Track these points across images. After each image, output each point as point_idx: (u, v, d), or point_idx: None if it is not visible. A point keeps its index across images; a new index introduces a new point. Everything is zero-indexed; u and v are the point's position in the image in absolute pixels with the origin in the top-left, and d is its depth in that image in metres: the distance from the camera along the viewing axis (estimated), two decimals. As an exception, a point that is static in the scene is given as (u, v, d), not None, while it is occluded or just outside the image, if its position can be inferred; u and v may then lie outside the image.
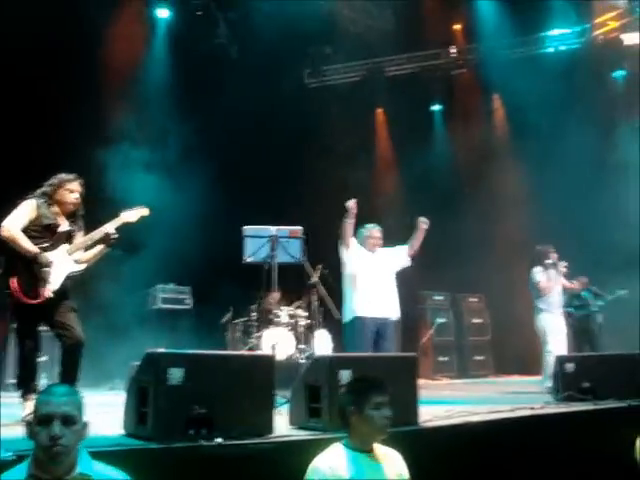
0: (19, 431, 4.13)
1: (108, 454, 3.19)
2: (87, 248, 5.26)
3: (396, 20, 13.06)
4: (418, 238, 6.78)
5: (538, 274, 8.17)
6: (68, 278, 5.13)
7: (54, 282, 5.00)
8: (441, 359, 11.98)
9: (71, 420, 2.48)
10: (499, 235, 12.00)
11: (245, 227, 5.80)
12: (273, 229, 5.92)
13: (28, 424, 2.51)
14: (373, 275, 6.34)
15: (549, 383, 7.23)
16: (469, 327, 12.44)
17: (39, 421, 2.45)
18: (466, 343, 12.30)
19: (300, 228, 5.98)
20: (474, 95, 13.66)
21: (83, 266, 5.26)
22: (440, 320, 12.06)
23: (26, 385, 4.94)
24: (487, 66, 13.33)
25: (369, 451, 3.16)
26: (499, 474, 4.63)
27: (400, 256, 6.69)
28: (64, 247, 5.13)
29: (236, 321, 9.35)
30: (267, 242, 5.73)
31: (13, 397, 6.95)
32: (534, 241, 10.62)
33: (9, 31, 8.45)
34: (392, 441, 3.42)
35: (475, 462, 4.54)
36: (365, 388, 3.24)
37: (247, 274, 7.44)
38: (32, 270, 4.92)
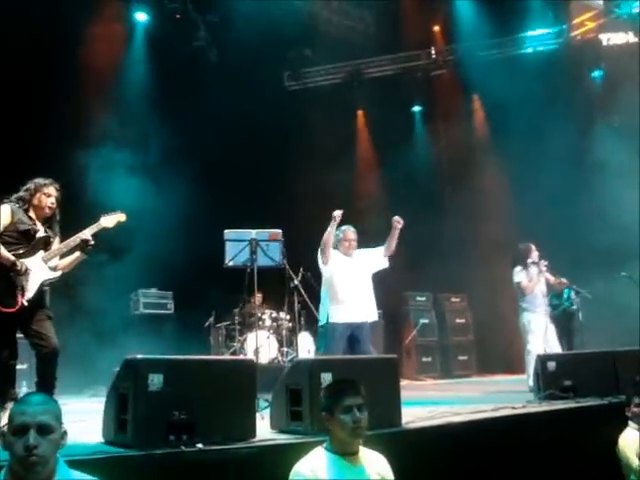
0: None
1: (87, 462, 3.17)
2: (63, 255, 5.20)
3: (375, 22, 13.15)
4: (394, 237, 6.77)
5: (518, 274, 8.17)
6: (44, 285, 5.07)
7: (30, 290, 4.94)
8: (425, 359, 11.99)
9: (47, 429, 2.44)
10: (481, 234, 12.06)
11: (226, 231, 5.77)
12: (253, 232, 5.88)
13: (2, 434, 2.47)
14: (349, 279, 6.33)
15: (531, 382, 7.33)
16: (452, 327, 12.46)
17: (14, 431, 2.42)
18: (449, 343, 12.32)
19: (279, 231, 5.96)
20: (454, 96, 13.71)
21: (59, 273, 5.19)
22: (423, 320, 12.08)
23: (2, 394, 4.87)
24: (466, 67, 13.40)
25: (351, 454, 3.14)
26: (482, 474, 4.64)
27: (377, 257, 6.67)
28: (40, 254, 5.07)
29: (219, 325, 9.36)
30: (247, 245, 5.69)
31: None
32: (515, 240, 10.67)
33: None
34: (375, 443, 3.43)
35: (458, 462, 4.56)
36: (335, 392, 3.24)
37: (229, 278, 7.41)
38: (8, 277, 4.85)
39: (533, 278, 8.12)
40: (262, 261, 5.76)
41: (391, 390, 4.70)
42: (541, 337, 7.99)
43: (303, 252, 7.20)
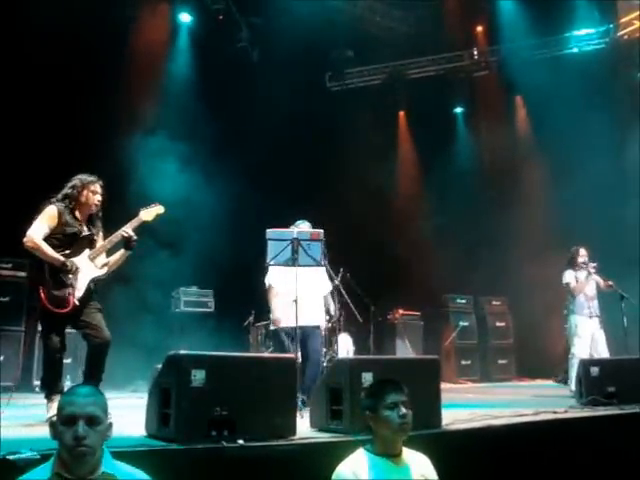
0: (43, 431, 4.19)
1: (130, 454, 3.21)
2: (108, 251, 5.29)
3: (418, 22, 13.07)
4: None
5: (567, 275, 8.11)
6: (92, 282, 5.16)
7: (80, 289, 5.05)
8: (464, 362, 11.93)
9: (95, 421, 2.49)
10: (522, 237, 11.91)
11: (268, 230, 5.79)
12: (295, 232, 5.89)
13: (52, 424, 2.52)
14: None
15: (574, 386, 7.23)
16: (492, 330, 12.36)
17: (64, 421, 2.46)
18: (489, 346, 12.22)
19: (321, 231, 5.94)
20: (497, 97, 13.58)
21: (105, 270, 5.28)
22: (463, 323, 12.02)
23: (51, 386, 4.98)
24: (510, 67, 13.26)
25: (394, 455, 3.10)
26: (522, 478, 4.59)
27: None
28: (86, 252, 5.16)
29: (258, 324, 9.38)
30: (289, 245, 5.70)
31: (39, 398, 7.07)
32: (559, 242, 10.57)
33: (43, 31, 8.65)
34: (415, 444, 3.40)
35: (497, 465, 4.52)
36: (379, 389, 3.21)
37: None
38: (58, 278, 4.96)
39: (581, 280, 8.01)
40: (303, 261, 5.75)
41: (432, 391, 4.69)
42: (587, 341, 7.89)
43: (344, 252, 7.20)
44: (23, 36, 8.86)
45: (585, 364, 6.28)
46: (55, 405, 4.62)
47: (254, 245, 6.59)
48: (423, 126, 13.04)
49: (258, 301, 9.12)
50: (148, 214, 5.41)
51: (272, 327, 6.65)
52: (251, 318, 9.54)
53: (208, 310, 10.18)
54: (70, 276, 4.97)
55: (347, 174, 11.81)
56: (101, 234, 5.34)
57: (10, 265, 8.91)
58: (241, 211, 10.14)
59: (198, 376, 3.76)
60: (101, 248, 5.22)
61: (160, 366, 7.43)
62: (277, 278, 6.42)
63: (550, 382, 10.60)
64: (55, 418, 2.57)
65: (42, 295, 4.92)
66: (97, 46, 9.45)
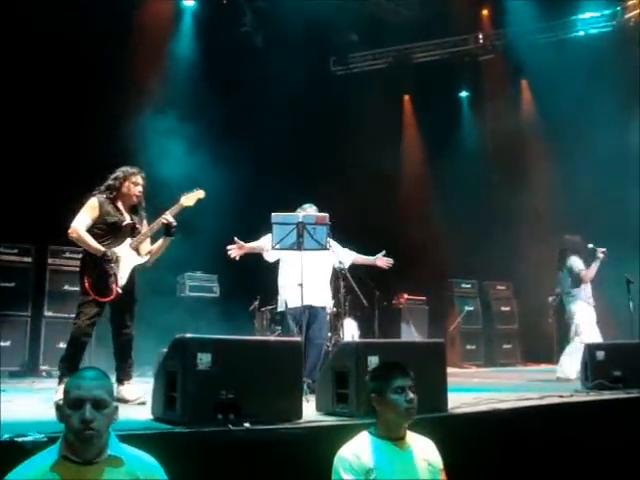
0: (51, 414, 4.21)
1: (137, 437, 3.22)
2: (150, 238, 5.43)
3: (423, 6, 12.94)
4: (366, 263, 6.97)
5: (578, 262, 8.15)
6: (134, 271, 5.31)
7: (122, 277, 5.21)
8: (469, 347, 11.96)
9: (102, 404, 2.49)
10: (527, 223, 11.89)
11: (273, 214, 5.79)
12: (300, 216, 5.89)
13: (58, 407, 2.53)
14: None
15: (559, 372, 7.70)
16: (497, 315, 12.37)
17: (70, 405, 2.46)
18: (494, 331, 12.23)
19: (326, 215, 5.95)
20: (502, 81, 13.47)
21: (147, 257, 5.41)
22: (468, 308, 12.03)
23: (68, 369, 5.08)
24: (515, 51, 13.14)
25: (397, 439, 3.10)
26: (527, 461, 4.60)
27: (341, 259, 6.60)
28: (128, 241, 5.30)
29: (263, 309, 9.38)
30: (294, 229, 5.70)
31: (45, 382, 7.12)
32: (563, 229, 10.52)
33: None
34: (420, 428, 3.40)
35: (503, 449, 4.53)
36: (386, 373, 3.19)
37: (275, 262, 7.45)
38: (101, 268, 5.12)
39: (592, 266, 8.10)
40: (308, 245, 5.76)
41: (438, 375, 4.70)
42: (594, 326, 7.91)
43: (348, 236, 7.18)
44: (30, 22, 8.88)
45: (591, 348, 6.28)
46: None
47: (260, 229, 6.60)
48: (428, 110, 12.98)
49: (263, 286, 9.16)
50: (189, 199, 5.55)
51: (279, 309, 6.64)
52: (256, 303, 9.53)
53: (213, 295, 10.19)
54: (112, 265, 5.12)
55: (352, 158, 11.80)
56: (145, 223, 5.47)
57: (16, 251, 8.95)
58: (246, 195, 10.14)
59: (204, 359, 3.77)
60: (143, 236, 5.36)
61: (166, 350, 7.52)
62: (280, 255, 6.46)
63: (555, 367, 10.59)
64: (61, 401, 2.57)
65: (87, 284, 5.11)
66: (101, 30, 9.41)
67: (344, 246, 6.89)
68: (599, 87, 11.20)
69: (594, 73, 11.43)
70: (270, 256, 6.54)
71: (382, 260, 6.85)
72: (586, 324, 7.98)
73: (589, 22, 13.01)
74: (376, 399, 3.12)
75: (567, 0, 12.69)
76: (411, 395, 3.08)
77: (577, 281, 8.13)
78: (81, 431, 2.43)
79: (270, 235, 6.14)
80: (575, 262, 8.18)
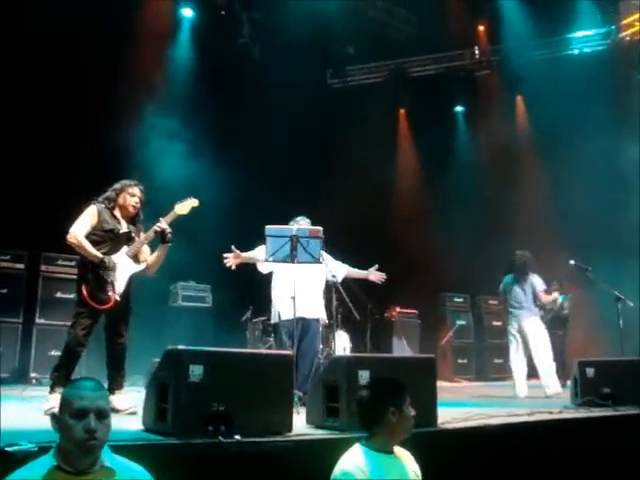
0: (41, 422, 4.21)
1: (128, 448, 3.22)
2: (146, 244, 5.48)
3: (419, 20, 13.06)
4: (359, 277, 6.97)
5: (541, 282, 8.38)
6: (131, 279, 5.36)
7: (120, 284, 5.25)
8: (460, 361, 11.98)
9: (104, 414, 2.52)
10: (520, 237, 11.90)
11: (267, 226, 5.80)
12: (294, 229, 5.91)
13: (54, 417, 2.52)
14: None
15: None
16: (489, 329, 12.39)
17: (74, 415, 2.47)
18: (486, 345, 12.26)
19: (320, 228, 5.96)
20: (497, 96, 13.57)
21: (143, 265, 5.46)
22: (460, 322, 12.05)
23: (60, 378, 5.10)
24: (511, 67, 13.27)
25: (390, 452, 3.16)
26: (517, 477, 4.61)
27: (334, 272, 6.56)
28: (124, 249, 5.36)
29: (255, 320, 9.38)
30: (288, 242, 5.72)
31: (35, 390, 7.10)
32: (555, 243, 10.63)
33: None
34: (410, 442, 3.42)
35: (493, 465, 4.54)
36: (402, 388, 3.26)
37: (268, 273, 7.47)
38: (98, 275, 5.16)
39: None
40: (302, 257, 5.77)
41: (428, 390, 4.69)
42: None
43: (342, 249, 7.21)
44: (31, 31, 8.91)
45: (581, 365, 6.30)
46: (55, 397, 4.68)
47: (253, 240, 6.62)
48: (424, 124, 13.04)
49: (256, 297, 9.17)
50: (183, 207, 5.62)
51: (272, 321, 6.64)
52: (249, 314, 9.53)
53: (206, 305, 10.19)
54: (110, 272, 5.18)
55: (347, 171, 11.81)
56: (142, 234, 5.52)
57: (8, 257, 8.94)
58: (240, 206, 10.15)
59: (196, 371, 3.78)
60: (138, 244, 5.42)
61: (158, 360, 7.50)
62: (273, 268, 6.49)
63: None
64: (56, 411, 2.58)
65: (84, 292, 5.14)
66: (99, 41, 9.47)
67: (337, 258, 6.91)
68: (593, 104, 11.31)
69: (588, 90, 11.52)
70: (264, 267, 6.56)
71: (375, 274, 6.87)
72: (546, 338, 8.23)
73: (584, 40, 13.16)
74: (393, 412, 3.15)
75: (563, 18, 12.79)
76: (414, 412, 3.23)
77: (538, 300, 8.31)
78: (85, 441, 2.45)
79: (264, 246, 6.16)
80: (539, 280, 8.36)
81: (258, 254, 6.46)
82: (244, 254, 6.47)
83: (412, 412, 3.19)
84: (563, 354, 10.57)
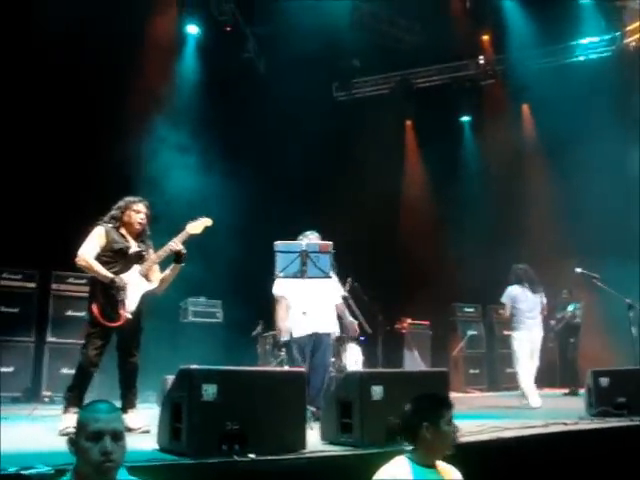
0: (55, 444, 4.21)
1: (143, 469, 3.22)
2: (158, 263, 5.49)
3: (424, 32, 13.09)
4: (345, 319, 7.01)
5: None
6: (143, 297, 5.37)
7: (131, 303, 5.26)
8: (472, 371, 11.93)
9: (120, 436, 2.54)
10: (529, 246, 11.89)
11: (276, 242, 5.80)
12: (303, 244, 5.91)
13: (71, 440, 2.53)
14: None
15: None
16: (500, 339, 12.27)
17: (90, 437, 2.48)
18: (497, 355, 12.17)
19: (330, 243, 5.96)
20: (503, 105, 13.59)
21: (156, 284, 5.47)
22: (471, 332, 12.00)
23: (74, 399, 5.12)
24: (516, 76, 13.29)
25: (433, 466, 3.19)
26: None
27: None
28: (136, 268, 5.36)
29: (266, 334, 9.37)
30: (298, 257, 5.72)
31: (48, 409, 7.10)
32: (564, 252, 10.60)
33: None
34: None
35: (508, 478, 4.50)
36: (439, 403, 3.27)
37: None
38: (109, 294, 5.18)
39: None
40: (312, 272, 5.76)
41: (441, 404, 4.67)
42: None
43: (351, 261, 7.22)
44: (39, 46, 8.98)
45: (595, 375, 6.26)
46: (69, 417, 4.69)
47: (262, 255, 6.62)
48: (430, 135, 13.06)
49: (266, 311, 9.17)
50: (195, 227, 5.59)
51: (284, 338, 6.61)
52: (259, 328, 9.52)
53: (216, 320, 10.19)
54: (121, 292, 5.18)
55: (354, 184, 11.84)
56: (151, 251, 5.52)
57: (20, 276, 8.97)
58: (249, 221, 10.17)
59: (209, 390, 3.79)
60: (151, 262, 5.43)
61: (168, 377, 7.50)
62: (286, 288, 6.45)
63: (557, 392, 10.59)
64: (71, 433, 2.59)
65: (95, 310, 5.17)
66: (105, 57, 9.52)
67: (345, 272, 6.91)
68: (599, 110, 11.31)
69: (594, 97, 11.52)
70: (279, 289, 6.54)
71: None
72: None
73: (589, 47, 13.17)
74: (428, 428, 3.16)
75: (567, 25, 12.81)
76: (456, 427, 3.23)
77: (543, 312, 8.48)
78: (102, 463, 2.46)
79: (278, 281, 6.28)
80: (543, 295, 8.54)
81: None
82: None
83: (453, 428, 3.18)
84: (575, 362, 10.54)
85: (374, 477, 3.11)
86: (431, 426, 3.16)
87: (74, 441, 2.52)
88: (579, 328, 10.81)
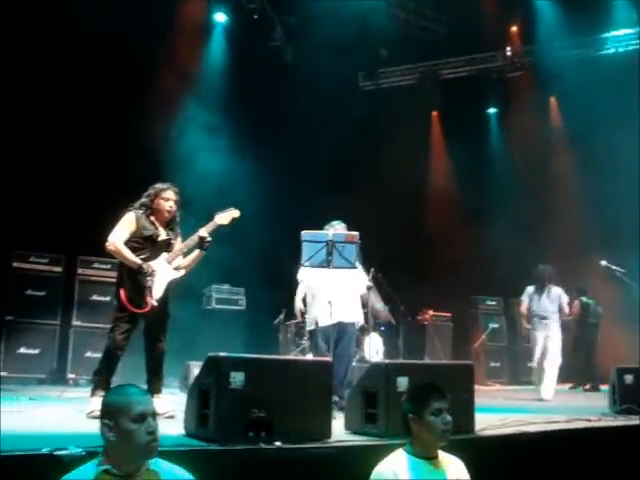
0: (84, 426, 4.29)
1: (170, 454, 3.26)
2: (185, 254, 5.51)
3: (452, 22, 13.00)
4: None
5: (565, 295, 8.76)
6: (169, 285, 5.40)
7: (157, 290, 5.30)
8: (493, 364, 11.90)
9: (155, 416, 2.61)
10: (554, 239, 11.83)
11: (303, 232, 5.83)
12: (329, 234, 5.92)
13: (107, 425, 2.55)
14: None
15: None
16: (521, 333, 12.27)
17: (135, 419, 2.52)
18: (519, 349, 12.13)
19: (356, 233, 5.97)
20: (531, 97, 13.45)
21: (182, 272, 5.52)
22: (493, 325, 11.97)
23: (101, 381, 5.17)
24: (544, 68, 13.15)
25: (432, 458, 3.15)
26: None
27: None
28: (164, 256, 5.40)
29: (288, 323, 9.42)
30: (324, 247, 5.74)
31: (74, 392, 7.22)
32: (587, 247, 10.52)
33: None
34: (448, 449, 3.42)
35: (530, 473, 4.51)
36: (424, 394, 3.23)
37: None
38: (137, 280, 5.23)
39: None
40: (337, 262, 5.78)
41: (466, 396, 4.69)
42: None
43: (375, 251, 7.22)
44: (73, 30, 9.01)
45: (619, 372, 6.23)
46: (96, 400, 4.77)
47: (288, 243, 6.65)
48: (456, 126, 12.99)
49: (289, 300, 9.22)
50: (223, 218, 5.63)
51: (309, 327, 6.65)
52: (281, 316, 9.58)
53: (239, 308, 10.25)
54: (148, 278, 5.22)
55: (380, 173, 11.83)
56: (179, 238, 5.57)
57: (46, 260, 9.09)
58: (275, 208, 10.22)
59: (237, 378, 3.82)
60: (178, 251, 5.47)
61: (190, 363, 7.58)
62: (311, 277, 6.49)
63: (579, 387, 10.54)
64: (97, 414, 2.65)
65: (122, 295, 5.21)
66: (133, 43, 9.53)
67: (370, 262, 6.92)
68: (628, 104, 11.16)
69: (623, 90, 11.37)
70: (304, 276, 6.59)
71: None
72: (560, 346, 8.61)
73: (619, 39, 12.98)
74: (414, 419, 3.16)
75: (597, 18, 12.64)
76: (448, 417, 3.14)
77: (560, 309, 8.65)
78: (149, 442, 2.52)
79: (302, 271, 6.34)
80: (562, 294, 8.72)
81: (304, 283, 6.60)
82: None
83: (446, 419, 3.11)
84: (591, 358, 10.47)
85: (374, 470, 3.09)
86: (416, 417, 3.14)
87: (111, 426, 2.54)
88: (597, 325, 10.70)
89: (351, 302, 6.51)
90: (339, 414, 5.03)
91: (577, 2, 12.29)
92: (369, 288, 6.99)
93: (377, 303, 6.98)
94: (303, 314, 6.91)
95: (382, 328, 9.43)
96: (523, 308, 8.88)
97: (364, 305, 7.00)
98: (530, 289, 8.83)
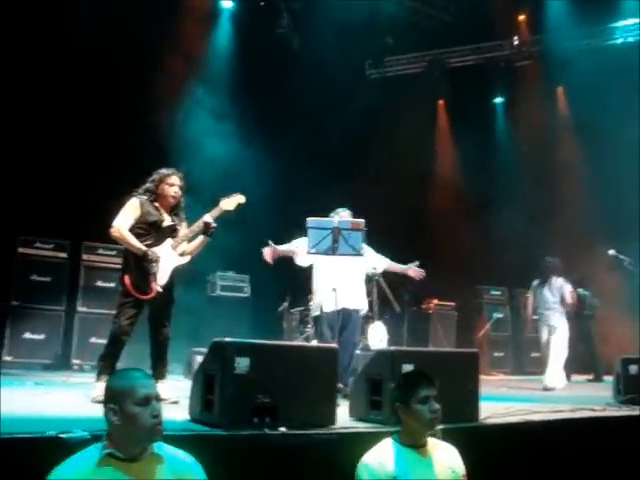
0: (88, 411, 4.31)
1: (175, 438, 3.27)
2: (190, 240, 5.49)
3: (459, 11, 12.91)
4: (398, 271, 6.94)
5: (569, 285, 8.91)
6: (174, 271, 5.40)
7: (162, 276, 5.29)
8: (497, 354, 11.89)
9: (159, 399, 2.64)
10: (559, 230, 11.80)
11: (309, 219, 5.81)
12: (335, 221, 5.91)
13: (112, 409, 2.56)
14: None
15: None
16: (526, 323, 12.26)
17: (140, 402, 2.54)
18: (523, 339, 12.10)
19: (362, 221, 5.96)
20: (538, 87, 13.36)
21: (188, 258, 5.51)
22: (497, 315, 11.95)
23: (106, 366, 5.18)
24: (552, 58, 13.06)
25: (420, 446, 3.14)
26: (558, 475, 4.58)
27: (375, 264, 6.74)
28: (169, 242, 5.39)
29: (293, 310, 9.43)
30: (329, 234, 5.73)
31: (79, 377, 7.25)
32: (593, 239, 10.48)
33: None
34: (452, 437, 3.43)
35: (534, 462, 4.52)
36: (412, 382, 3.24)
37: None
38: (142, 266, 5.22)
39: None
40: (343, 250, 5.78)
41: (471, 384, 4.71)
42: None
43: (380, 238, 7.20)
44: (75, 19, 8.97)
45: (624, 362, 6.23)
46: (101, 385, 4.77)
47: (294, 230, 6.63)
48: (463, 115, 12.92)
49: (293, 287, 9.22)
50: (229, 203, 5.61)
51: (314, 313, 6.63)
52: (286, 304, 9.59)
53: (244, 295, 10.26)
54: (153, 264, 5.21)
55: (386, 161, 11.79)
56: (184, 224, 5.55)
57: (52, 246, 9.10)
58: (279, 195, 10.20)
59: (242, 363, 3.83)
60: (184, 237, 5.45)
61: (194, 349, 7.60)
62: (316, 262, 6.47)
63: (582, 378, 10.54)
64: (101, 398, 2.66)
65: (127, 281, 5.21)
66: (138, 29, 9.50)
67: (377, 250, 6.91)
68: (635, 94, 11.09)
69: (631, 80, 11.29)
70: (302, 261, 6.51)
71: (415, 270, 6.82)
72: (567, 336, 8.78)
73: (628, 29, 12.86)
74: (400, 408, 3.17)
75: (606, 7, 12.53)
76: (436, 406, 3.13)
77: (563, 301, 8.76)
78: (154, 425, 2.55)
79: (302, 239, 6.19)
80: (566, 285, 8.86)
81: (295, 247, 6.46)
82: (280, 247, 6.46)
83: (433, 407, 3.10)
84: (590, 349, 10.47)
85: (360, 461, 3.09)
86: (402, 405, 3.15)
87: (115, 410, 2.56)
88: (593, 317, 10.67)
89: (356, 289, 6.50)
90: (343, 401, 5.04)
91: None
92: (375, 275, 6.98)
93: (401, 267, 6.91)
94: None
95: (386, 317, 9.43)
96: (529, 303, 9.12)
97: (369, 293, 7.00)
98: (535, 283, 9.05)
